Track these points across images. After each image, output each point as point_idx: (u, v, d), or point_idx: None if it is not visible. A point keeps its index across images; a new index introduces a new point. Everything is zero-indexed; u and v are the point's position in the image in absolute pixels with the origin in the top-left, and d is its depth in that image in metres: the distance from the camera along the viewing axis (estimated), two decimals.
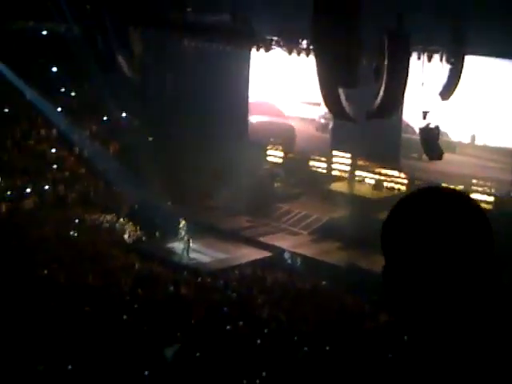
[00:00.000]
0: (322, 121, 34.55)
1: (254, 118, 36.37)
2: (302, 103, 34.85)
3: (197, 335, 19.16)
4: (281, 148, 36.16)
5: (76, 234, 28.97)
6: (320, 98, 25.19)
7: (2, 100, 34.14)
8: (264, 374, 16.95)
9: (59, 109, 35.10)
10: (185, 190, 33.45)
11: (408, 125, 31.48)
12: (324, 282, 25.36)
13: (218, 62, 30.61)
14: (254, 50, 29.30)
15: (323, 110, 33.06)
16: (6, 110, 33.95)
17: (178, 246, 28.94)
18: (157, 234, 29.45)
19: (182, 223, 29.03)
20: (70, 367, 16.18)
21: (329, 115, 33.04)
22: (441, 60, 25.64)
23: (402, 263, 1.57)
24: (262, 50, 28.31)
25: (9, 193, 31.15)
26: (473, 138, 30.87)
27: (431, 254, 1.54)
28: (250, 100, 36.19)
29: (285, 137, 35.81)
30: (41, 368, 16.25)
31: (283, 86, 34.92)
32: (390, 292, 1.61)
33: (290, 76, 33.42)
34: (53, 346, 17.57)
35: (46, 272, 23.75)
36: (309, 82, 27.76)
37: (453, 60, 25.49)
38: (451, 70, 25.70)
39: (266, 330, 20.09)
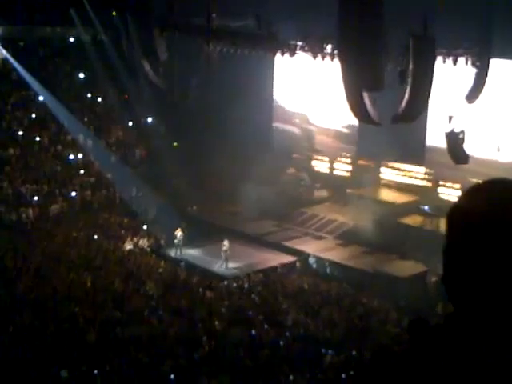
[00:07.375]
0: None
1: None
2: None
3: (221, 339, 19.25)
4: (305, 153, 36.09)
5: (101, 239, 29.14)
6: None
7: (29, 106, 34.54)
8: (291, 377, 17.04)
9: (85, 114, 35.39)
10: (209, 195, 33.52)
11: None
12: (349, 287, 25.27)
13: (242, 69, 30.66)
14: (278, 55, 29.25)
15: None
16: (34, 116, 34.31)
17: (202, 250, 29.05)
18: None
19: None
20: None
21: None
22: (466, 63, 25.52)
23: (465, 250, 1.53)
24: (286, 56, 28.34)
25: (36, 198, 31.44)
26: (498, 150, 28.73)
27: (496, 244, 1.49)
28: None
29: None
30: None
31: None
32: (450, 277, 1.57)
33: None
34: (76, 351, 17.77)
35: (73, 276, 24.00)
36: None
37: (478, 63, 25.37)
38: (477, 74, 25.58)
39: (290, 334, 20.13)
